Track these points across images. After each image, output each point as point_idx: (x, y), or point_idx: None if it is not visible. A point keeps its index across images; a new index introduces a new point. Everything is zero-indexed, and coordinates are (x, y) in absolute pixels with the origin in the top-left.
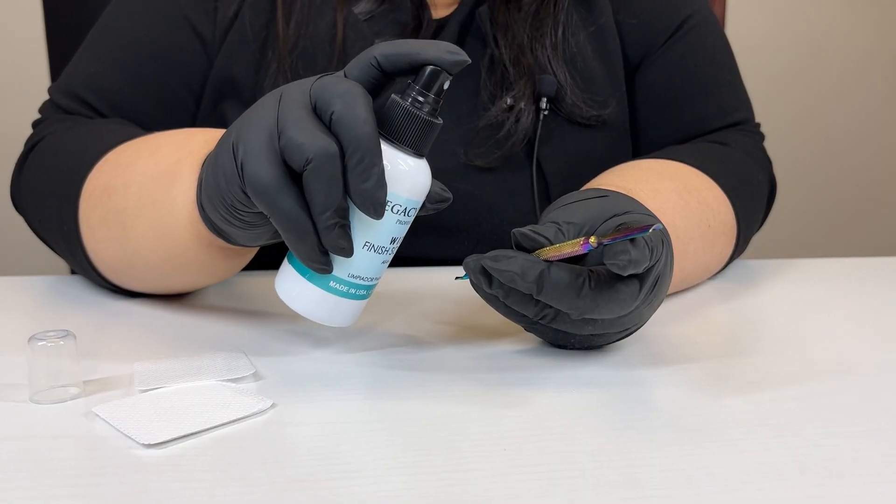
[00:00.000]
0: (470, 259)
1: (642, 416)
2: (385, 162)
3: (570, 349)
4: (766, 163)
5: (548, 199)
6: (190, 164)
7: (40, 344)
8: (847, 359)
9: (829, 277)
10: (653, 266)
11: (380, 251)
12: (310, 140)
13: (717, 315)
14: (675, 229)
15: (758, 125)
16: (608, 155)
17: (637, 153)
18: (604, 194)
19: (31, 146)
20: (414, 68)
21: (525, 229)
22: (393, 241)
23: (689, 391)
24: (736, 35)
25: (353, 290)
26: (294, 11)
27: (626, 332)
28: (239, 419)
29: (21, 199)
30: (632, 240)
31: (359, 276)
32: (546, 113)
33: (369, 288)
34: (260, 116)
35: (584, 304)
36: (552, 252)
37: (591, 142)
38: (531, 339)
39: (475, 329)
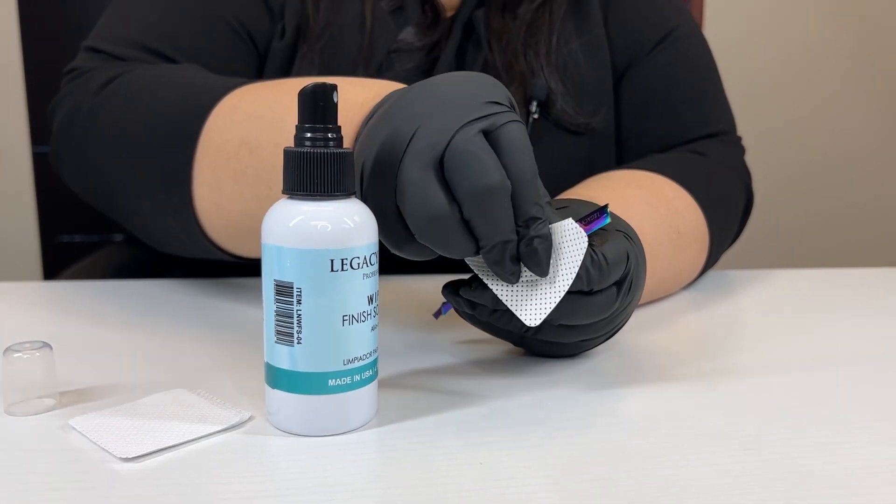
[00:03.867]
0: (444, 287)
1: (618, 428)
2: (320, 223)
3: (557, 357)
4: (745, 175)
5: None
6: (349, 132)
7: (16, 356)
8: (819, 369)
9: (801, 287)
10: (628, 272)
11: (363, 318)
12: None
13: (691, 324)
14: (643, 234)
15: (739, 138)
16: (593, 161)
17: (620, 160)
18: (564, 206)
19: (104, 81)
20: None
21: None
22: (370, 300)
23: (664, 403)
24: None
25: (357, 377)
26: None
27: (610, 335)
28: (217, 432)
29: (84, 144)
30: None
31: (356, 358)
32: (536, 117)
33: (373, 365)
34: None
35: (560, 310)
36: None
37: (578, 148)
38: (510, 349)
39: (454, 338)
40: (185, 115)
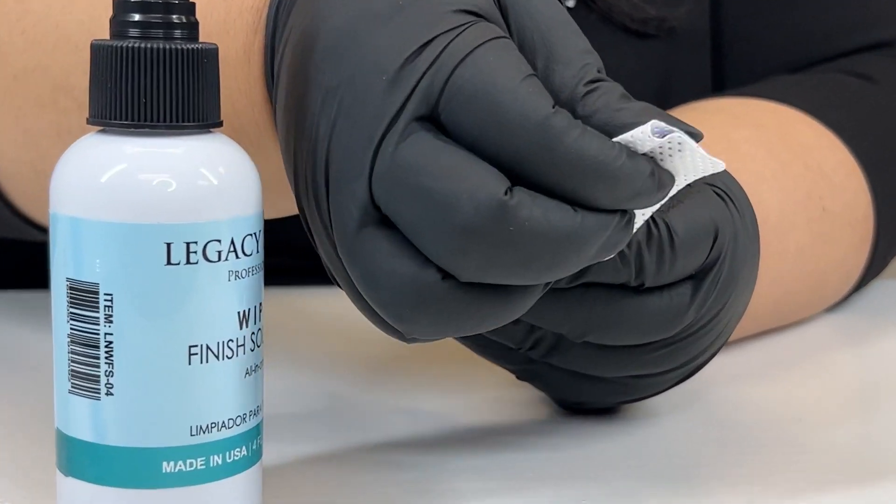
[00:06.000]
0: None
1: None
2: (154, 176)
3: (590, 409)
4: None
5: None
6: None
7: None
8: None
9: None
10: (716, 259)
11: (229, 351)
12: None
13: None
14: (763, 208)
15: None
16: (673, 80)
17: (721, 83)
18: None
19: None
20: None
21: None
22: (243, 318)
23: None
24: None
25: (217, 459)
26: None
27: (687, 369)
28: None
29: None
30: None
31: (214, 424)
32: (570, 5)
33: (250, 437)
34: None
35: (591, 317)
36: None
37: (644, 57)
38: (506, 387)
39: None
40: None
